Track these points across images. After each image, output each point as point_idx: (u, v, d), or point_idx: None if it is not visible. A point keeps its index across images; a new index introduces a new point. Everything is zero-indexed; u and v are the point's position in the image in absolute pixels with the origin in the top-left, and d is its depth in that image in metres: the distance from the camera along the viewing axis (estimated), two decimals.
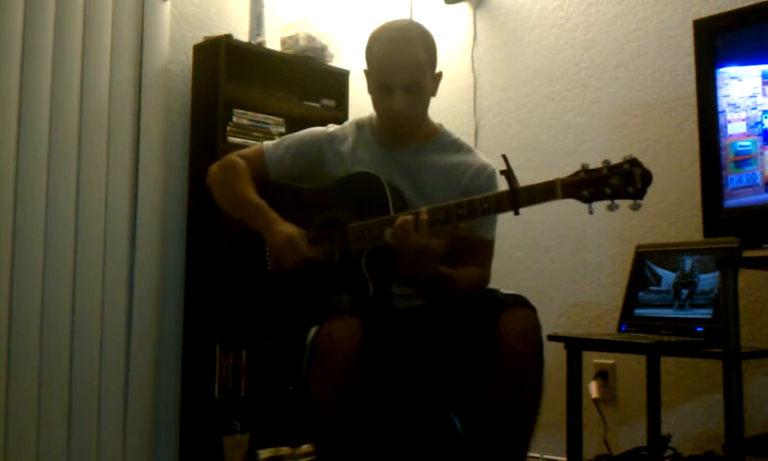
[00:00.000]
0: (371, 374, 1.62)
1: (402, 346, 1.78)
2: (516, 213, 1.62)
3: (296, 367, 1.69)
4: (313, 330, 1.62)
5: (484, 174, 1.90)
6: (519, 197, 1.60)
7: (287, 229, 1.82)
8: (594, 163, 1.59)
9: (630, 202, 1.52)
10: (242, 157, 2.01)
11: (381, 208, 1.77)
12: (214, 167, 2.03)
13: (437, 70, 1.92)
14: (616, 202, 1.53)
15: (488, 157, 1.97)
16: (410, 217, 1.67)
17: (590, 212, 1.55)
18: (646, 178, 1.51)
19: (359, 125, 1.99)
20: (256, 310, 1.96)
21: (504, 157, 1.60)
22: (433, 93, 1.92)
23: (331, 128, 2.01)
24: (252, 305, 1.97)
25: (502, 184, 1.69)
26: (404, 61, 1.81)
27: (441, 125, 2.00)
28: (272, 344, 1.93)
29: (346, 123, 2.04)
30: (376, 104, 1.91)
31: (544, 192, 1.58)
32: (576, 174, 1.56)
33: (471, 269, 1.86)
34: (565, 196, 1.57)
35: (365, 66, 1.93)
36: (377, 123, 1.96)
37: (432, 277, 1.75)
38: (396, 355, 1.77)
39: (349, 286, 1.76)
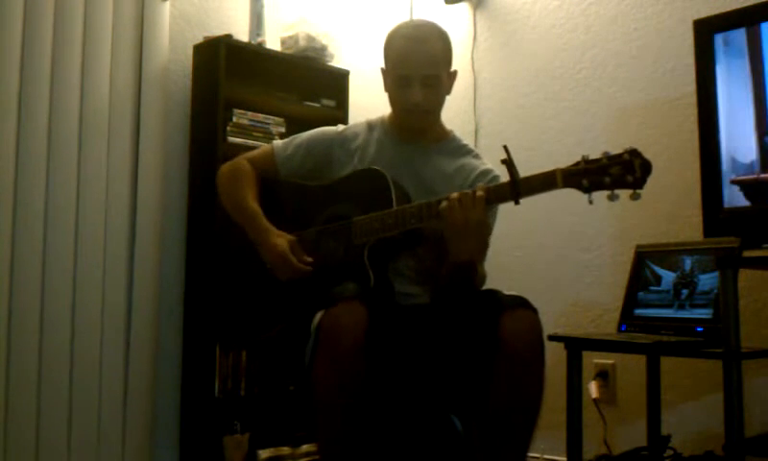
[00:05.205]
0: (374, 364, 1.62)
1: (405, 343, 1.79)
2: (517, 203, 1.62)
3: (299, 357, 1.69)
4: (318, 316, 1.62)
5: (488, 177, 1.93)
6: (520, 186, 1.61)
7: (278, 242, 1.83)
8: None
9: (630, 191, 1.52)
10: (250, 159, 2.03)
11: (384, 203, 1.78)
12: (224, 168, 2.06)
13: (452, 69, 1.94)
14: (616, 192, 1.53)
15: (488, 156, 1.99)
16: (466, 191, 1.67)
17: (590, 202, 1.55)
18: (646, 167, 1.51)
19: (371, 125, 2.02)
20: (256, 304, 1.97)
21: (505, 147, 1.61)
22: (448, 91, 1.95)
23: (342, 127, 2.04)
24: (252, 299, 1.98)
25: (503, 177, 1.69)
26: (422, 55, 1.85)
27: (451, 131, 2.03)
28: (271, 340, 1.94)
29: (357, 122, 2.07)
30: (394, 99, 1.93)
31: (545, 181, 1.59)
32: (576, 164, 1.57)
33: (480, 266, 1.87)
34: (566, 185, 1.57)
35: (382, 65, 1.96)
36: (390, 123, 1.99)
37: (474, 260, 1.75)
38: (399, 352, 1.78)
39: (351, 278, 1.76)
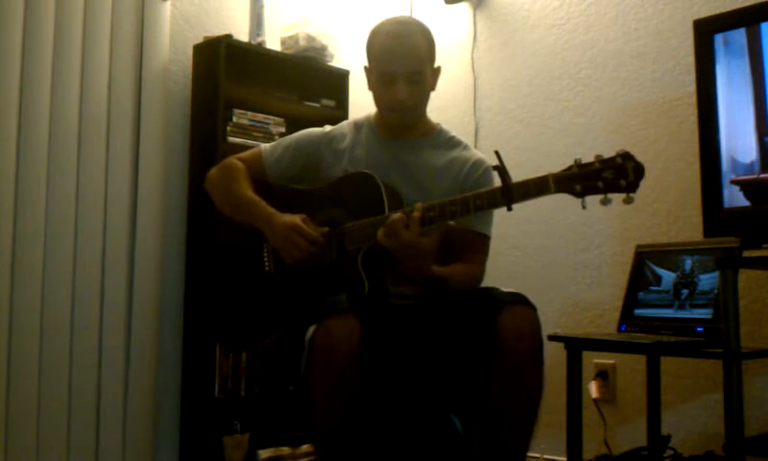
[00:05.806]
0: (369, 372, 1.62)
1: (401, 344, 1.78)
2: (509, 209, 1.62)
3: (295, 366, 1.69)
4: (311, 329, 1.62)
5: (480, 169, 1.92)
6: (512, 192, 1.60)
7: (287, 218, 1.82)
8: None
9: (623, 195, 1.52)
10: (240, 159, 2.02)
11: (377, 208, 1.77)
12: (213, 170, 2.04)
13: (436, 65, 1.93)
14: (609, 196, 1.53)
15: (488, 156, 1.98)
16: (400, 215, 1.67)
17: (583, 207, 1.55)
18: (638, 171, 1.51)
19: (357, 124, 2.00)
20: (254, 311, 1.96)
21: (497, 152, 1.61)
22: (432, 88, 1.94)
23: (328, 128, 2.02)
24: (250, 306, 1.97)
25: (496, 181, 1.69)
26: (406, 51, 1.84)
27: (438, 124, 2.01)
28: (270, 344, 1.93)
29: (343, 123, 2.06)
30: (378, 97, 1.92)
31: (537, 187, 1.58)
32: (569, 168, 1.56)
33: (465, 267, 1.86)
34: (558, 190, 1.57)
35: (365, 63, 1.94)
36: (376, 121, 1.98)
37: (424, 276, 1.75)
38: (395, 354, 1.77)
39: (346, 286, 1.76)
